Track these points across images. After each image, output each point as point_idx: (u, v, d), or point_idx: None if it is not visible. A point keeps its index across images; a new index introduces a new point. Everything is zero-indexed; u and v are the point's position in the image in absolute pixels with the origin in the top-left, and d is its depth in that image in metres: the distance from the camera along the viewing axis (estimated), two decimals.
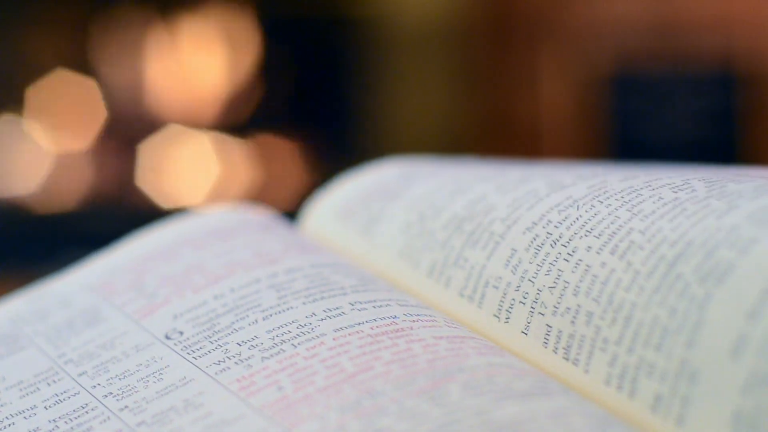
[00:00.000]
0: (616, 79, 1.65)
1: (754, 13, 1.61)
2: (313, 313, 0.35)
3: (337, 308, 0.35)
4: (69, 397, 0.34)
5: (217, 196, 1.66)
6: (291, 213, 0.50)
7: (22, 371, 0.36)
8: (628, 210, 0.34)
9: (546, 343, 0.33)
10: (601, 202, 0.35)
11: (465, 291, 0.37)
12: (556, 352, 0.33)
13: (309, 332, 0.34)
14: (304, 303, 0.36)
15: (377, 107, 1.68)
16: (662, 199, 0.34)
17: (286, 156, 1.70)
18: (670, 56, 1.64)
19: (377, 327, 0.34)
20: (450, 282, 0.37)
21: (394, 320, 0.34)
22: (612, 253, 0.33)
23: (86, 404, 0.34)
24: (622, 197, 0.35)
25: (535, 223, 0.36)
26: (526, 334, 0.34)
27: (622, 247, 0.33)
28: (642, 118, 1.64)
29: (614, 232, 0.34)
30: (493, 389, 0.30)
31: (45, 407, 0.34)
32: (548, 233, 0.35)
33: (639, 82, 1.65)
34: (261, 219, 0.44)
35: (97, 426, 0.32)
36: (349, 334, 0.34)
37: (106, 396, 0.34)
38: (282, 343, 0.34)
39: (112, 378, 0.34)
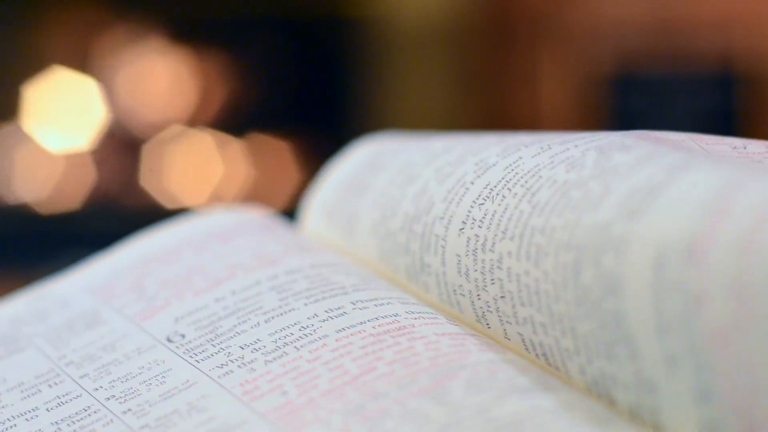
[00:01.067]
0: (616, 79, 1.65)
1: (754, 13, 1.61)
2: (315, 314, 0.35)
3: (338, 308, 0.35)
4: (71, 400, 0.34)
5: (216, 196, 1.66)
6: (290, 213, 0.50)
7: (22, 373, 0.36)
8: (528, 202, 0.32)
9: (527, 350, 0.33)
10: (510, 190, 0.34)
11: (442, 297, 0.36)
12: (539, 358, 0.32)
13: (311, 334, 0.34)
14: (305, 304, 0.35)
15: (377, 107, 1.68)
16: (555, 182, 0.32)
17: (286, 156, 1.70)
18: (670, 56, 1.63)
19: (379, 326, 0.34)
20: (428, 288, 0.36)
21: (396, 318, 0.34)
22: (527, 259, 0.32)
23: (89, 407, 0.33)
24: (526, 183, 0.33)
25: (464, 222, 0.34)
26: (509, 339, 0.33)
27: (532, 252, 0.31)
28: (642, 118, 1.64)
29: (522, 234, 0.32)
30: (495, 386, 0.30)
31: (47, 409, 0.34)
32: (476, 235, 0.34)
33: (639, 82, 1.65)
34: (260, 219, 0.43)
35: (100, 429, 0.32)
36: (352, 335, 0.33)
37: (109, 399, 0.33)
38: (285, 346, 0.34)
39: (114, 380, 0.34)
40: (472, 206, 0.35)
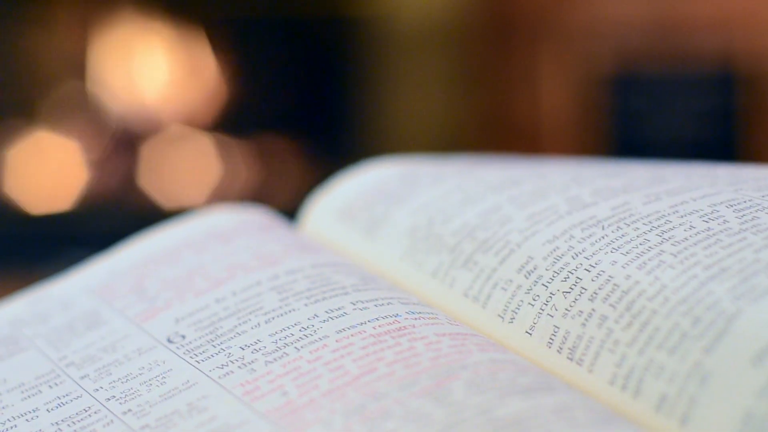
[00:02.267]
0: (616, 79, 1.65)
1: (753, 13, 1.61)
2: (315, 315, 0.35)
3: (339, 308, 0.35)
4: (71, 400, 0.34)
5: (217, 196, 1.66)
6: (291, 213, 0.50)
7: (23, 373, 0.36)
8: (658, 235, 0.35)
9: (550, 343, 0.33)
10: (628, 225, 0.36)
11: (470, 291, 0.37)
12: (560, 352, 0.33)
13: (312, 334, 0.34)
14: (306, 304, 0.36)
15: (377, 107, 1.68)
16: (693, 227, 0.35)
17: (286, 156, 1.70)
18: (670, 56, 1.63)
19: (380, 326, 0.34)
20: (455, 282, 0.37)
21: (396, 318, 0.34)
22: (639, 268, 0.33)
23: (89, 407, 0.33)
24: (650, 222, 0.35)
25: (557, 237, 0.36)
26: (530, 334, 0.34)
27: (651, 264, 0.33)
28: (642, 118, 1.64)
29: (643, 252, 0.34)
30: (496, 386, 0.30)
31: (47, 410, 0.34)
32: (570, 246, 0.36)
33: (639, 82, 1.65)
34: (261, 220, 0.44)
35: (100, 429, 0.32)
36: (352, 335, 0.34)
37: (109, 399, 0.34)
38: (285, 347, 0.34)
39: (114, 381, 0.34)
40: (571, 227, 0.37)
